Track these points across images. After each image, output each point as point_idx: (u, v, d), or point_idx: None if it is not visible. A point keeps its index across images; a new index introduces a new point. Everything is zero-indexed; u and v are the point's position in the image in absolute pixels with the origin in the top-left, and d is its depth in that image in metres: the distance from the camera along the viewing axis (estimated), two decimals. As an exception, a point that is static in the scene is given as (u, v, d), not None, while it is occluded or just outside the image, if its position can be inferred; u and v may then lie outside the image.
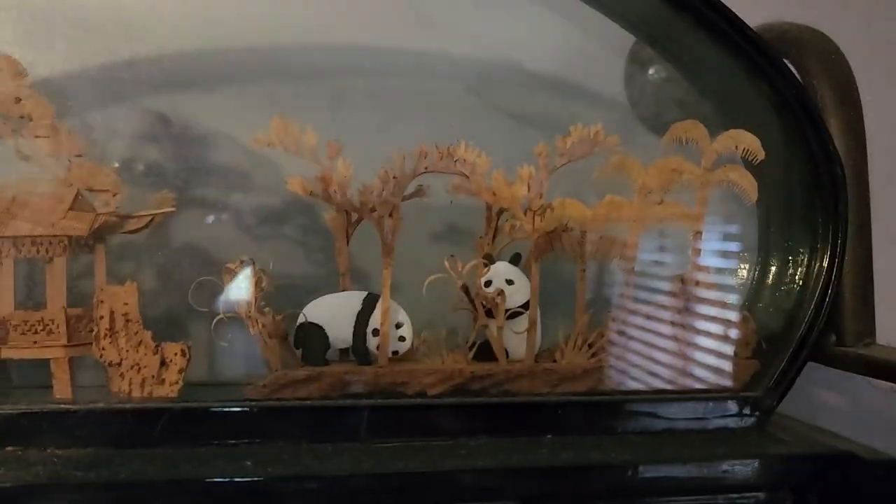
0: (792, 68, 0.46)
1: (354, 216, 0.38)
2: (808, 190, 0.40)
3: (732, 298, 0.41)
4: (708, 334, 0.40)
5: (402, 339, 0.38)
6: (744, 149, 0.39)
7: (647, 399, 0.38)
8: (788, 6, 0.54)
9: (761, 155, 0.39)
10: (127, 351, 0.35)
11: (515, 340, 0.38)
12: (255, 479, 0.32)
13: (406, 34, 0.52)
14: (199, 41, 0.46)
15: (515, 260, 0.39)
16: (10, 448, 0.33)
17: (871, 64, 0.47)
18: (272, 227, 0.42)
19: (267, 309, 0.37)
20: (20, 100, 0.35)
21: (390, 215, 0.37)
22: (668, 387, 0.39)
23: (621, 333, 0.39)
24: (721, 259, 0.42)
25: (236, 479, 0.32)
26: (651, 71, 0.48)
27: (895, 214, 0.56)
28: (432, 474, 0.33)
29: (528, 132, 0.49)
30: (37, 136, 0.35)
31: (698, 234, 0.40)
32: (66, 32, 0.42)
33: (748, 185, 0.39)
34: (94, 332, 0.35)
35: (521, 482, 0.34)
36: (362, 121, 0.48)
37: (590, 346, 0.38)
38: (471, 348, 0.38)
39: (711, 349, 0.39)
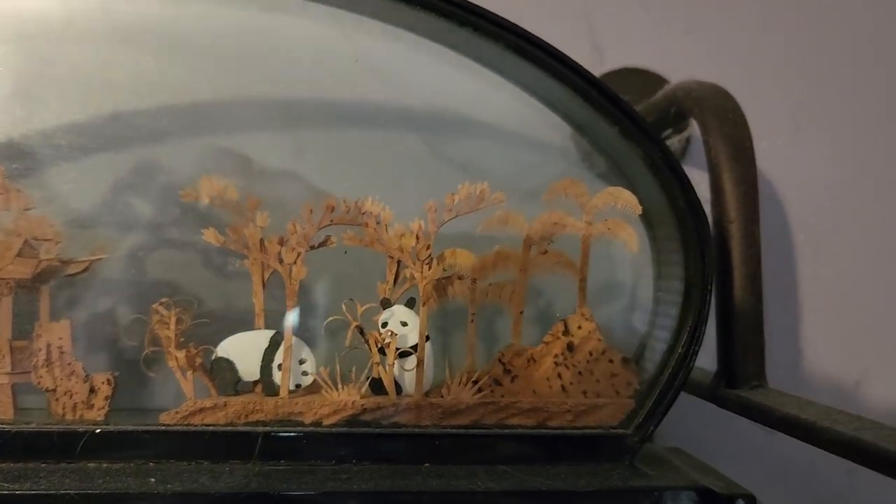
0: (695, 125, 0.50)
1: (266, 264, 0.43)
2: (680, 241, 0.43)
3: (615, 342, 0.44)
4: (590, 373, 0.43)
5: (304, 373, 0.42)
6: (622, 204, 0.43)
7: (521, 434, 0.41)
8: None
9: (639, 210, 0.43)
10: (61, 379, 0.41)
11: (408, 377, 0.42)
12: (155, 492, 0.37)
13: (367, 89, 0.57)
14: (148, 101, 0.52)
15: (410, 304, 0.43)
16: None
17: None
18: (201, 268, 0.47)
19: (191, 344, 0.42)
20: (-23, 163, 0.41)
21: (295, 263, 0.42)
22: (552, 422, 0.42)
23: (507, 371, 0.43)
24: (607, 305, 0.45)
25: (137, 493, 0.37)
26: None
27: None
28: (310, 496, 0.38)
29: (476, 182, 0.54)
30: (-10, 194, 0.41)
31: (583, 280, 0.44)
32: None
33: (627, 237, 0.43)
34: (33, 363, 0.41)
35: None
36: (321, 169, 0.53)
37: (475, 382, 0.42)
38: (365, 382, 0.42)
39: (593, 387, 0.43)
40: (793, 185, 0.68)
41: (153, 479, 0.38)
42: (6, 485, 0.37)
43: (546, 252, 0.43)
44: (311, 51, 0.55)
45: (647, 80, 0.62)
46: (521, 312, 0.43)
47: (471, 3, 0.43)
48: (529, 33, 0.44)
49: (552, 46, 0.44)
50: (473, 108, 0.57)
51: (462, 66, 0.51)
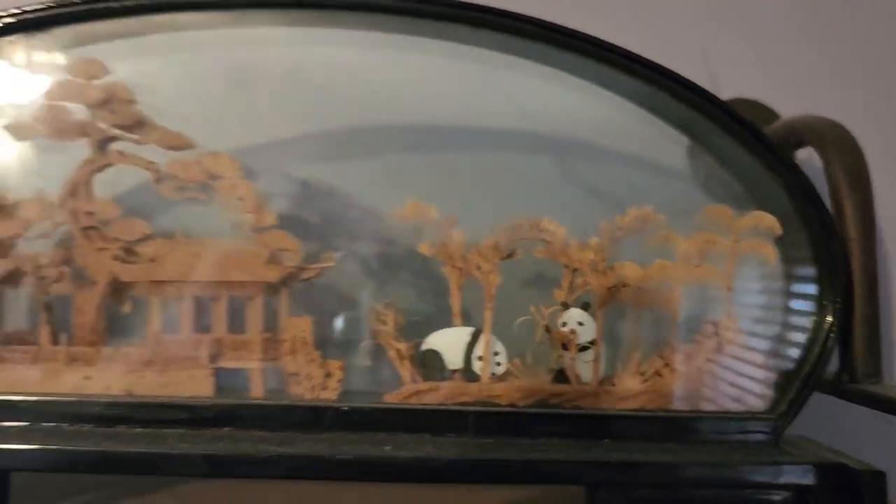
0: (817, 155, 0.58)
1: (464, 271, 0.52)
2: (814, 259, 0.51)
3: (757, 340, 0.52)
4: (736, 367, 0.51)
5: (498, 364, 0.51)
6: (764, 226, 0.51)
7: (683, 416, 0.49)
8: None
9: (779, 232, 0.51)
10: (303, 365, 0.50)
11: (584, 368, 0.51)
12: (392, 456, 0.46)
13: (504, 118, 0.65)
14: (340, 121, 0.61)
15: (585, 306, 0.52)
16: (226, 428, 0.48)
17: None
18: (402, 276, 0.56)
19: (401, 338, 0.51)
20: (235, 185, 0.50)
21: (491, 272, 0.51)
22: (704, 407, 0.50)
23: (666, 365, 0.51)
24: (751, 310, 0.53)
25: (379, 456, 0.46)
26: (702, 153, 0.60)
27: None
28: (520, 461, 0.46)
29: (603, 202, 0.62)
30: (245, 212, 0.50)
31: (729, 289, 0.52)
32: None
33: (767, 254, 0.51)
34: (280, 351, 0.50)
35: (584, 472, 0.46)
36: (468, 191, 0.62)
37: (641, 373, 0.51)
38: (550, 373, 0.51)
39: (737, 380, 0.51)
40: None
41: (388, 447, 0.47)
42: (274, 448, 0.46)
43: (699, 265, 0.51)
44: (459, 86, 0.64)
45: (758, 110, 0.70)
46: (677, 315, 0.51)
47: (629, 52, 0.51)
48: (684, 78, 0.52)
49: (705, 90, 0.52)
50: (602, 133, 0.66)
51: (591, 92, 0.60)
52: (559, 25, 0.52)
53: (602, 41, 0.52)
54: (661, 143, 0.61)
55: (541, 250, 0.51)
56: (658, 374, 0.51)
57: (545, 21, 0.53)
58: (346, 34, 0.55)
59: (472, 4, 0.52)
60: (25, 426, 0.47)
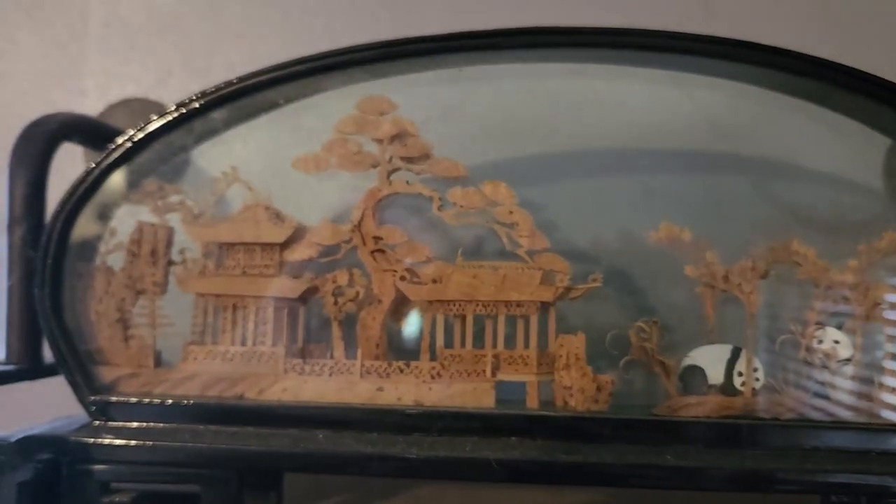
0: None
1: (720, 290, 0.55)
2: None
3: None
4: None
5: (757, 379, 0.54)
6: None
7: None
8: None
9: None
10: (576, 379, 0.54)
11: (842, 383, 0.53)
12: (674, 466, 0.49)
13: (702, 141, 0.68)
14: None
15: (839, 325, 0.54)
16: (513, 438, 0.52)
17: None
18: (655, 296, 0.59)
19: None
20: (511, 212, 0.54)
21: (752, 292, 0.54)
22: None
23: (920, 382, 0.53)
24: None
25: (654, 465, 0.49)
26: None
27: None
28: (783, 470, 0.49)
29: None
30: (520, 236, 0.55)
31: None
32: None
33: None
34: (554, 366, 0.54)
35: (855, 483, 0.49)
36: (668, 209, 0.65)
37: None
38: (809, 389, 0.54)
39: None
40: None
41: (669, 456, 0.50)
42: (562, 455, 0.50)
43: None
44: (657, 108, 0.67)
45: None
46: (930, 334, 0.54)
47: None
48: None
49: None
50: (797, 155, 0.68)
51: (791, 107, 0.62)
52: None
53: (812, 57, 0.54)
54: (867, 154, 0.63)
55: (803, 271, 0.54)
56: (911, 390, 0.53)
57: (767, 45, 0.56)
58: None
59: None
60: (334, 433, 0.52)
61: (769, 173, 0.70)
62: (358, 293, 0.54)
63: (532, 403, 0.54)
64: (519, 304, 0.54)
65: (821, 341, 0.54)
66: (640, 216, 0.56)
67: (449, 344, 0.54)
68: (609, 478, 0.50)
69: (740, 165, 0.70)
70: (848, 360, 0.53)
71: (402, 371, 0.53)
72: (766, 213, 0.66)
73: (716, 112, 0.68)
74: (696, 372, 0.54)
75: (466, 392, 0.53)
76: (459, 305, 0.54)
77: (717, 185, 0.69)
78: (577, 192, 0.67)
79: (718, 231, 0.57)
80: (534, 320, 0.54)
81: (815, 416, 0.53)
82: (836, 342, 0.54)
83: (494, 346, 0.55)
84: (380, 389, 0.53)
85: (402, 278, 0.54)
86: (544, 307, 0.54)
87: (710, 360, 0.54)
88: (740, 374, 0.54)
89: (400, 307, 0.56)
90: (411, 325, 0.56)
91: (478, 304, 0.54)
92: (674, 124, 0.68)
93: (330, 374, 0.54)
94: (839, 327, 0.55)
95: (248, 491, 0.57)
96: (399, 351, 0.56)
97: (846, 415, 0.53)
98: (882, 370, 0.54)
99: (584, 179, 0.70)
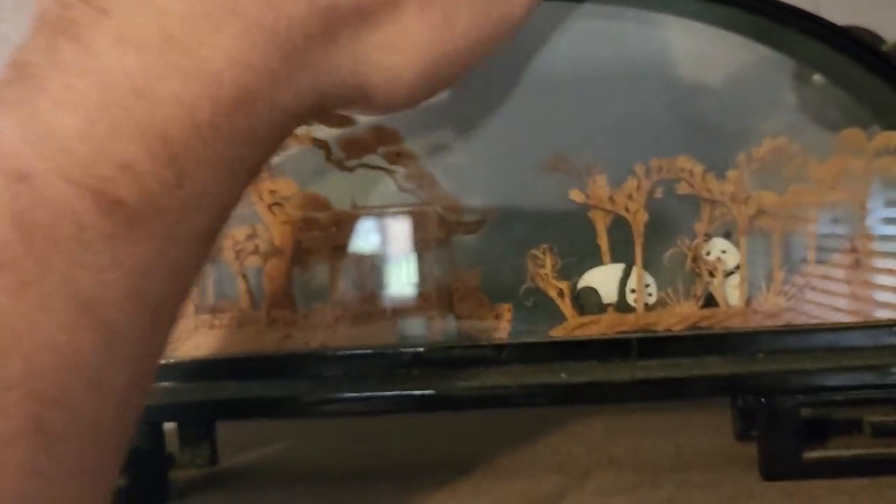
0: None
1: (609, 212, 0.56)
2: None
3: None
4: (873, 280, 0.55)
5: (650, 294, 0.56)
6: (894, 147, 0.54)
7: (830, 327, 0.54)
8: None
9: (909, 149, 0.54)
10: (474, 309, 0.56)
11: (731, 293, 0.55)
12: (567, 383, 0.52)
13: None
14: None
15: (726, 236, 0.56)
16: (415, 370, 0.54)
17: None
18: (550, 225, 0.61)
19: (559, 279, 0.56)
20: (399, 154, 0.56)
21: (638, 211, 0.55)
22: (845, 318, 0.54)
23: (807, 283, 0.55)
24: (886, 227, 0.57)
25: (560, 384, 0.52)
26: (813, 82, 0.63)
27: None
28: (678, 379, 0.51)
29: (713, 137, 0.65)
30: (410, 177, 0.56)
31: (863, 208, 0.55)
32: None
33: (898, 171, 0.54)
34: (452, 299, 0.56)
35: (740, 383, 0.51)
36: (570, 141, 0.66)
37: (784, 293, 0.55)
38: (699, 299, 0.55)
39: (877, 293, 0.55)
40: None
41: (563, 375, 0.53)
42: (461, 383, 0.52)
43: (834, 188, 0.55)
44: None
45: (864, 35, 0.72)
46: (815, 236, 0.55)
47: None
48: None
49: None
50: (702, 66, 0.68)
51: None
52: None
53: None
54: (766, 70, 0.63)
55: (683, 185, 0.55)
56: (800, 292, 0.55)
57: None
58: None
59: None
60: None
61: (676, 94, 0.71)
62: (257, 247, 0.55)
63: (434, 338, 0.56)
64: (415, 242, 0.56)
65: (709, 252, 0.56)
66: (537, 149, 0.57)
67: (351, 287, 0.56)
68: (506, 400, 0.52)
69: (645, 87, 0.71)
70: (734, 271, 0.55)
71: (306, 317, 0.55)
72: (669, 132, 0.67)
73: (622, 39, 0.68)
74: (590, 293, 0.56)
75: (369, 333, 0.55)
76: (357, 251, 0.56)
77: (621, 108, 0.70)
78: (473, 130, 0.68)
79: (621, 154, 0.58)
80: (430, 258, 0.56)
81: (705, 325, 0.55)
82: (724, 252, 0.56)
83: (394, 286, 0.56)
84: (287, 337, 0.55)
85: (301, 229, 0.56)
86: (440, 244, 0.56)
87: (603, 280, 0.56)
88: (633, 291, 0.55)
89: (303, 256, 0.57)
90: (316, 272, 0.57)
91: (375, 248, 0.56)
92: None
93: (239, 326, 0.56)
94: (727, 236, 0.56)
95: (183, 444, 0.59)
96: (307, 298, 0.58)
97: (735, 322, 0.55)
98: (770, 278, 0.55)
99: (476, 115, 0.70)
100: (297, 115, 0.29)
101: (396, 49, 0.31)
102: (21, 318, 0.22)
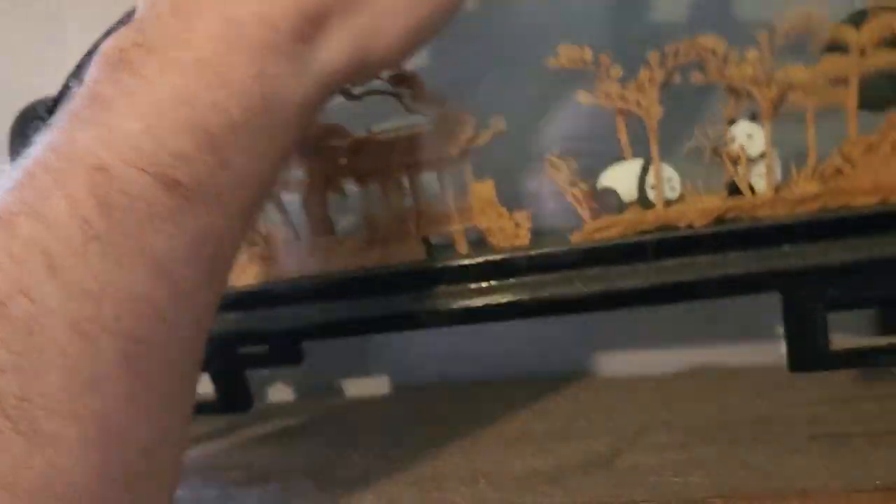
0: None
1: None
2: None
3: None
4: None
5: (672, 189, 0.54)
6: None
7: (871, 212, 0.49)
8: None
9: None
10: (493, 220, 0.57)
11: (759, 181, 0.52)
12: (581, 293, 0.53)
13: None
14: None
15: (752, 118, 0.52)
16: (442, 286, 0.57)
17: None
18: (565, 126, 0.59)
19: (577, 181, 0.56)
20: (404, 76, 0.56)
21: (652, 105, 0.52)
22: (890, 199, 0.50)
23: (847, 160, 0.51)
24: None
25: (574, 295, 0.53)
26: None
27: None
28: (698, 281, 0.50)
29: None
30: (418, 97, 0.56)
31: (900, 76, 0.49)
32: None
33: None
34: (471, 213, 0.57)
35: (765, 280, 0.50)
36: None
37: (820, 175, 0.51)
38: (724, 190, 0.53)
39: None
40: None
41: (579, 283, 0.53)
42: (478, 297, 0.55)
43: (873, 55, 0.49)
44: None
45: None
46: (855, 110, 0.50)
47: None
48: None
49: None
50: None
51: None
52: None
53: None
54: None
55: (697, 74, 0.51)
56: (839, 171, 0.51)
57: None
58: None
59: None
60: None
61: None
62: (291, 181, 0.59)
63: (462, 250, 0.58)
64: (430, 161, 0.57)
65: (733, 138, 0.52)
66: (543, 49, 0.54)
67: (378, 210, 0.59)
68: (524, 311, 0.54)
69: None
70: (761, 157, 0.52)
71: (341, 243, 0.59)
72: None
73: None
74: (609, 193, 0.55)
75: (399, 251, 0.58)
76: (381, 173, 0.58)
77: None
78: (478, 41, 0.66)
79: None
80: (447, 174, 0.57)
81: (731, 216, 0.53)
82: (750, 136, 0.52)
83: (419, 204, 0.58)
84: (327, 261, 0.60)
85: (326, 159, 0.59)
86: (454, 161, 0.57)
87: (621, 178, 0.55)
88: (654, 188, 0.54)
89: (334, 185, 0.60)
90: (349, 200, 0.61)
91: (396, 169, 0.58)
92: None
93: (286, 255, 0.61)
94: (753, 118, 0.53)
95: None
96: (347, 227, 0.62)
97: (762, 212, 0.52)
98: (803, 161, 0.52)
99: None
100: (310, 106, 0.36)
101: (385, 17, 0.37)
102: (109, 275, 0.28)
